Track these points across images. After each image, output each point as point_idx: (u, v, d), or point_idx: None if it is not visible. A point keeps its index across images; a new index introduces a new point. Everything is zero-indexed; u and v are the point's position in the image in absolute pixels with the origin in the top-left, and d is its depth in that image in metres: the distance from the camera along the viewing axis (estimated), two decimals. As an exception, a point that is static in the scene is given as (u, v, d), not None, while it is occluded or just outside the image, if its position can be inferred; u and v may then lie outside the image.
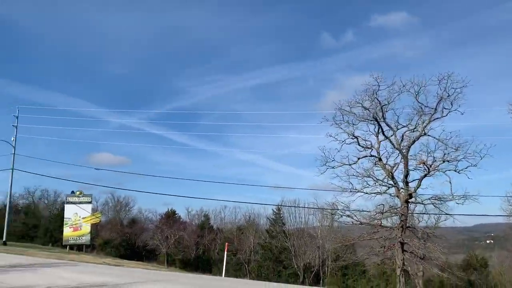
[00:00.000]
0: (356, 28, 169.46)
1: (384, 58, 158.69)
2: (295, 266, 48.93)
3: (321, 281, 48.50)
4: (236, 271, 56.86)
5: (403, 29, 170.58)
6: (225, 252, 25.83)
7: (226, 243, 28.46)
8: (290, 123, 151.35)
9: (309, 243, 50.45)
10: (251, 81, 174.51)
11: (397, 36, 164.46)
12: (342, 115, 29.48)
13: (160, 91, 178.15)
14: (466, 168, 26.37)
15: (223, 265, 27.35)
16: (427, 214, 38.16)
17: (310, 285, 47.63)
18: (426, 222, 52.33)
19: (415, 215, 46.28)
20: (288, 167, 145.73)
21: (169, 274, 21.00)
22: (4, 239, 46.60)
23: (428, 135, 28.47)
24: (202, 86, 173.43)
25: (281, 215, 55.73)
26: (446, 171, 26.86)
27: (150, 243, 63.63)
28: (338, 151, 30.67)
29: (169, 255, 63.04)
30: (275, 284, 21.06)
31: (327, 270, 49.07)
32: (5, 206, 59.48)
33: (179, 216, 75.04)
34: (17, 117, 48.13)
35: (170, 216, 70.66)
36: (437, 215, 45.88)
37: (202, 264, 62.17)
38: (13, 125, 48.00)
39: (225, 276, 25.52)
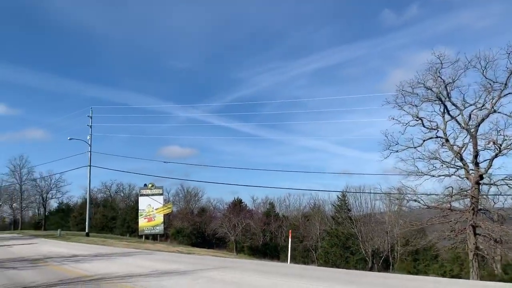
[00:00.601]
0: (420, 1, 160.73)
1: (451, 31, 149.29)
2: (363, 252, 48.42)
3: (390, 266, 47.66)
4: (303, 258, 57.40)
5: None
6: (290, 239, 26.27)
7: (290, 231, 28.86)
8: (352, 106, 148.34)
9: (377, 229, 49.62)
10: (311, 65, 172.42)
11: (464, 6, 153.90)
12: (404, 97, 28.76)
13: (222, 83, 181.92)
14: (542, 145, 24.74)
15: (289, 252, 27.86)
16: (502, 195, 36.05)
17: (379, 270, 47.03)
18: (503, 203, 49.48)
19: (489, 197, 44.10)
20: (355, 151, 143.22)
21: (235, 261, 21.87)
22: (86, 231, 50.67)
23: (499, 112, 26.96)
24: (262, 74, 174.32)
25: (346, 201, 55.25)
26: (519, 149, 25.37)
27: (219, 231, 65.92)
28: (402, 134, 30.01)
29: (237, 242, 64.94)
30: (342, 270, 21.23)
31: (397, 255, 48.07)
32: (85, 200, 64.38)
33: (245, 204, 77.02)
34: (91, 117, 51.77)
35: (237, 205, 72.58)
36: (515, 196, 43.34)
37: (269, 250, 63.41)
38: (88, 125, 51.70)
39: (290, 262, 26.00)
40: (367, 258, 48.19)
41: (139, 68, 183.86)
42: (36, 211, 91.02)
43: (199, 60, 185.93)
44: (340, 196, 55.35)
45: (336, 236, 50.46)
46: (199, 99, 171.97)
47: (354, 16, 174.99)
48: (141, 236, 53.80)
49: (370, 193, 51.65)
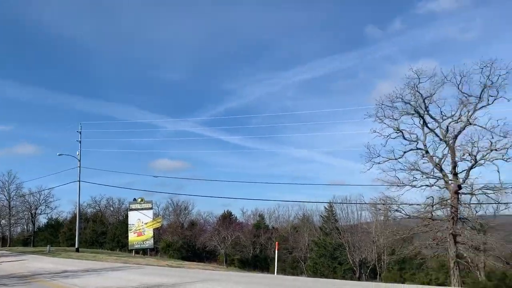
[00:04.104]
0: (403, 16, 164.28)
1: (435, 44, 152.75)
2: (351, 262, 49.17)
3: (378, 276, 48.41)
4: (293, 269, 57.92)
5: (452, 12, 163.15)
6: (276, 251, 26.93)
7: (277, 242, 29.56)
8: (342, 117, 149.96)
9: (364, 239, 50.47)
10: (300, 76, 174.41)
11: (446, 20, 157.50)
12: (383, 111, 29.87)
13: (212, 94, 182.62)
14: (515, 156, 25.88)
15: (276, 263, 28.52)
16: (480, 203, 37.18)
17: (366, 280, 47.75)
18: (485, 212, 50.70)
19: (471, 206, 45.23)
20: (344, 162, 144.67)
21: (223, 274, 22.47)
22: (76, 246, 50.70)
23: (474, 124, 28.18)
24: (252, 85, 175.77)
25: (334, 212, 56.12)
26: (493, 160, 26.50)
27: (209, 245, 66.21)
28: (384, 146, 31.09)
29: (227, 255, 65.28)
30: (323, 280, 21.96)
31: (383, 264, 48.90)
32: (75, 215, 64.36)
33: (235, 217, 77.50)
34: (80, 133, 52.06)
35: (227, 217, 73.03)
36: (494, 204, 44.59)
37: (259, 263, 63.81)
38: (77, 140, 52.01)
39: (277, 274, 26.65)
40: (354, 268, 48.93)
41: (129, 81, 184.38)
42: (25, 227, 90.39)
43: (189, 72, 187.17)
44: (327, 207, 56.26)
45: (324, 247, 51.19)
46: (190, 111, 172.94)
47: (340, 29, 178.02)
48: (131, 251, 53.95)
49: (356, 203, 52.66)
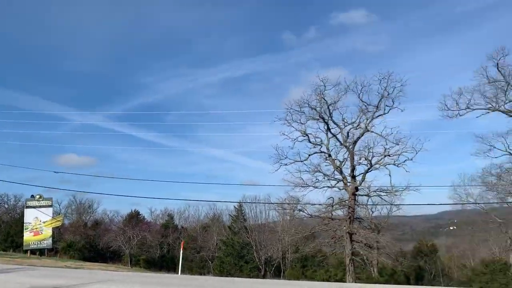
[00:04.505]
0: (318, 25, 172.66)
1: (346, 54, 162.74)
2: (257, 260, 50.38)
3: (282, 273, 50.18)
4: (200, 268, 57.81)
5: (362, 25, 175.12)
6: (181, 251, 26.76)
7: (182, 242, 29.37)
8: (257, 118, 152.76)
9: (271, 237, 51.99)
10: (220, 75, 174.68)
11: (356, 32, 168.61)
12: (291, 115, 31.14)
13: (124, 87, 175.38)
14: (404, 162, 28.52)
15: (181, 263, 28.29)
16: (374, 205, 40.39)
17: (271, 277, 49.23)
18: (380, 212, 55.19)
19: (368, 206, 48.78)
20: (257, 162, 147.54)
21: (125, 275, 21.80)
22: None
23: (371, 132, 30.55)
24: (170, 80, 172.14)
25: (243, 212, 57.07)
26: (386, 165, 28.94)
27: (113, 245, 63.56)
28: (291, 149, 32.42)
29: (133, 255, 63.26)
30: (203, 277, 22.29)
31: (288, 262, 50.80)
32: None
33: (143, 216, 75.27)
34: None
35: (134, 217, 70.68)
36: (390, 205, 48.67)
37: (166, 263, 62.69)
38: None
39: (182, 273, 26.50)
40: (260, 266, 50.19)
41: (36, 70, 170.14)
42: None
43: (100, 63, 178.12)
44: (236, 207, 57.07)
45: (231, 246, 51.82)
46: (100, 104, 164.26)
47: (259, 32, 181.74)
48: (26, 251, 49.84)
49: (264, 203, 54.05)
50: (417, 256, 52.18)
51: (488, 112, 29.03)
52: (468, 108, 28.98)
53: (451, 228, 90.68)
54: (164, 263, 62.62)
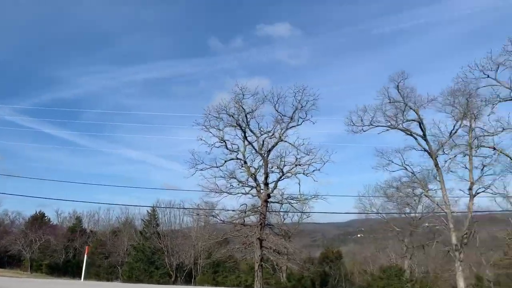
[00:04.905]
0: (244, 35, 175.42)
1: (270, 65, 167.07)
2: (168, 266, 49.50)
3: (193, 279, 49.78)
4: (108, 274, 55.40)
5: (285, 39, 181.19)
6: (85, 256, 25.49)
7: (87, 247, 28.04)
8: (178, 121, 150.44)
9: (183, 243, 51.35)
10: (142, 74, 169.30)
11: (281, 45, 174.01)
12: (209, 121, 31.23)
13: (36, 80, 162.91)
14: (313, 171, 29.90)
15: (87, 269, 26.97)
16: (285, 212, 41.84)
17: (182, 283, 48.66)
18: (291, 219, 57.19)
19: (280, 213, 50.28)
20: (177, 165, 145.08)
21: (21, 281, 20.36)
22: None
23: (285, 141, 31.63)
24: (87, 76, 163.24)
25: (156, 216, 55.78)
26: (297, 174, 30.13)
27: (12, 249, 58.70)
28: (208, 154, 32.40)
29: (34, 260, 58.91)
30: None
31: (199, 268, 50.50)
32: None
33: (49, 218, 70.46)
34: None
35: (38, 219, 65.90)
36: (300, 212, 50.64)
37: (71, 268, 59.12)
38: None
39: (85, 280, 25.29)
40: (171, 272, 49.36)
41: None
42: None
43: (9, 53, 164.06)
44: (150, 211, 55.65)
45: (142, 251, 50.42)
46: (6, 96, 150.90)
47: (186, 34, 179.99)
48: None
49: (178, 208, 53.54)
50: (323, 262, 54.72)
51: (388, 130, 31.64)
52: (371, 124, 31.36)
53: (359, 235, 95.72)
54: (69, 269, 59.03)
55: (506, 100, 26.83)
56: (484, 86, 27.92)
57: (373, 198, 52.81)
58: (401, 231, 53.43)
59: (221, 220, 32.19)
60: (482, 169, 31.13)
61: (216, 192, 31.43)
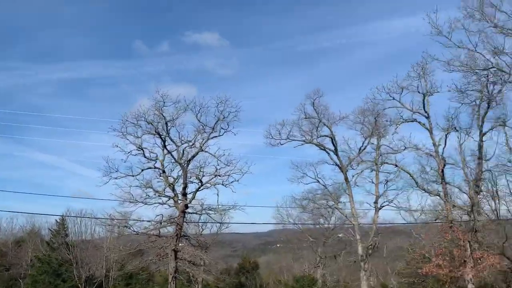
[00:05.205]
0: (171, 40, 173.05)
1: (197, 72, 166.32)
2: (76, 279, 46.75)
3: (104, 292, 47.52)
4: (8, 287, 51.10)
5: (214, 48, 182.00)
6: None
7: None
8: (96, 126, 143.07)
9: (95, 254, 48.85)
10: (59, 74, 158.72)
11: (209, 53, 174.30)
12: (126, 127, 30.31)
13: None
14: (232, 182, 30.23)
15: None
16: (204, 223, 41.76)
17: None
18: (210, 230, 56.95)
19: (199, 224, 49.89)
20: (91, 172, 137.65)
21: None
22: None
23: (206, 152, 31.63)
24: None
25: (65, 226, 52.49)
26: (216, 184, 30.25)
27: None
28: (124, 162, 31.32)
29: None
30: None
31: (111, 280, 48.30)
32: None
33: None
34: None
35: None
36: (219, 223, 50.70)
37: (-36, 282, 53.56)
38: None
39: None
40: (80, 284, 46.57)
41: None
42: None
43: None
44: (58, 220, 52.22)
45: (47, 263, 47.03)
46: None
47: (109, 35, 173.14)
48: None
49: (90, 217, 51.01)
50: (240, 273, 55.11)
51: (303, 144, 33.16)
52: (288, 138, 32.66)
53: (278, 245, 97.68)
54: (-40, 283, 53.35)
55: (408, 121, 29.39)
56: (390, 108, 30.38)
57: (290, 209, 54.39)
58: (315, 241, 55.48)
59: (135, 231, 31.21)
60: (385, 184, 33.70)
61: (131, 202, 30.54)
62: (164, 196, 31.52)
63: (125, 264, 45.92)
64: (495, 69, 21.02)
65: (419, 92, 29.04)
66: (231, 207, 32.15)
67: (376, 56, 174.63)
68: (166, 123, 31.14)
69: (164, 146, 31.68)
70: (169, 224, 31.89)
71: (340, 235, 56.82)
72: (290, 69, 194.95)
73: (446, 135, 28.84)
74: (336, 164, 34.41)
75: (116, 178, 30.69)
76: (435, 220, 32.36)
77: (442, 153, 28.98)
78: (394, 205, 34.15)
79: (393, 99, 29.62)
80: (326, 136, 33.99)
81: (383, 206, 33.77)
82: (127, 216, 36.02)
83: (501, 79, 21.86)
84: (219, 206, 30.58)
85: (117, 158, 30.92)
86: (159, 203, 31.50)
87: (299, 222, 56.13)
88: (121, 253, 34.96)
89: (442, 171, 28.50)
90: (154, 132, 30.73)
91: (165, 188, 31.17)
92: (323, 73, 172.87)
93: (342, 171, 34.08)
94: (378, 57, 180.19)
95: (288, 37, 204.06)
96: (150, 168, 31.76)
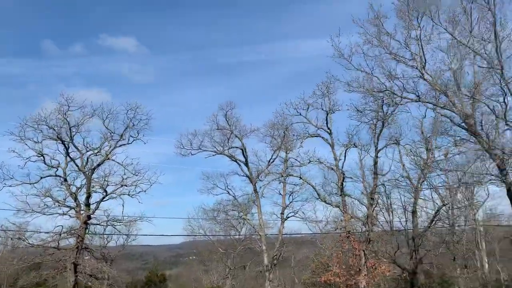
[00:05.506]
0: (85, 42, 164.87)
1: (112, 77, 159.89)
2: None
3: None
4: None
5: (131, 53, 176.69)
6: None
7: None
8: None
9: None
10: None
11: (125, 58, 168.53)
12: (25, 131, 28.29)
13: None
14: (139, 193, 29.50)
15: None
16: (109, 234, 40.07)
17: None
18: (116, 242, 54.72)
19: (105, 236, 47.75)
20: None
21: None
22: None
23: (112, 160, 30.48)
24: None
25: None
26: (121, 195, 29.29)
27: None
28: (21, 168, 29.09)
29: None
30: None
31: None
32: None
33: None
34: None
35: None
36: (125, 235, 48.96)
37: None
38: None
39: None
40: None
41: None
42: None
43: None
44: None
45: None
46: None
47: (14, 32, 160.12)
48: None
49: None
50: (147, 286, 53.59)
51: (215, 155, 33.54)
52: (200, 149, 32.80)
53: (190, 257, 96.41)
54: None
55: (313, 136, 31.19)
56: (297, 123, 31.96)
57: (201, 220, 54.17)
58: (225, 252, 55.72)
59: (29, 244, 29.03)
60: (290, 195, 35.17)
61: (27, 212, 28.41)
62: (64, 206, 29.68)
63: (18, 278, 42.37)
64: (389, 92, 22.82)
65: (323, 109, 30.95)
66: (138, 218, 31.44)
67: (291, 72, 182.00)
68: (70, 129, 29.52)
69: (67, 153, 29.94)
70: (69, 236, 30.13)
71: (248, 247, 57.69)
72: (209, 80, 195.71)
73: (346, 150, 30.87)
74: (246, 175, 35.15)
75: (10, 186, 28.46)
76: (335, 230, 34.28)
77: (342, 167, 30.97)
78: (299, 216, 35.62)
79: (300, 114, 31.18)
80: (237, 147, 34.64)
81: (289, 217, 35.09)
82: (22, 227, 33.55)
83: (392, 101, 23.98)
84: (125, 217, 29.60)
85: (14, 164, 28.76)
86: (58, 213, 29.61)
87: (210, 234, 56.09)
88: (15, 267, 32.14)
89: (342, 184, 30.46)
90: (56, 138, 28.97)
91: (66, 198, 29.42)
92: (240, 86, 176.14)
93: (251, 182, 34.87)
94: (294, 74, 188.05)
95: (211, 48, 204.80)
96: (50, 176, 29.81)
